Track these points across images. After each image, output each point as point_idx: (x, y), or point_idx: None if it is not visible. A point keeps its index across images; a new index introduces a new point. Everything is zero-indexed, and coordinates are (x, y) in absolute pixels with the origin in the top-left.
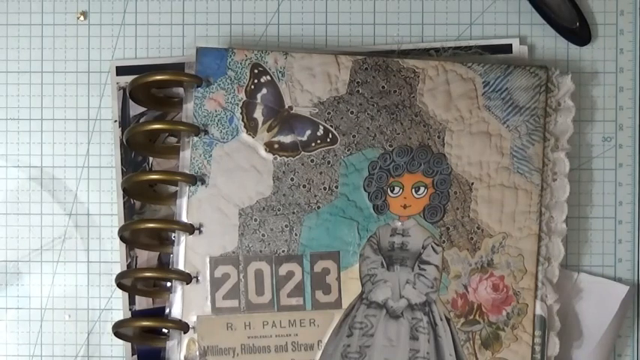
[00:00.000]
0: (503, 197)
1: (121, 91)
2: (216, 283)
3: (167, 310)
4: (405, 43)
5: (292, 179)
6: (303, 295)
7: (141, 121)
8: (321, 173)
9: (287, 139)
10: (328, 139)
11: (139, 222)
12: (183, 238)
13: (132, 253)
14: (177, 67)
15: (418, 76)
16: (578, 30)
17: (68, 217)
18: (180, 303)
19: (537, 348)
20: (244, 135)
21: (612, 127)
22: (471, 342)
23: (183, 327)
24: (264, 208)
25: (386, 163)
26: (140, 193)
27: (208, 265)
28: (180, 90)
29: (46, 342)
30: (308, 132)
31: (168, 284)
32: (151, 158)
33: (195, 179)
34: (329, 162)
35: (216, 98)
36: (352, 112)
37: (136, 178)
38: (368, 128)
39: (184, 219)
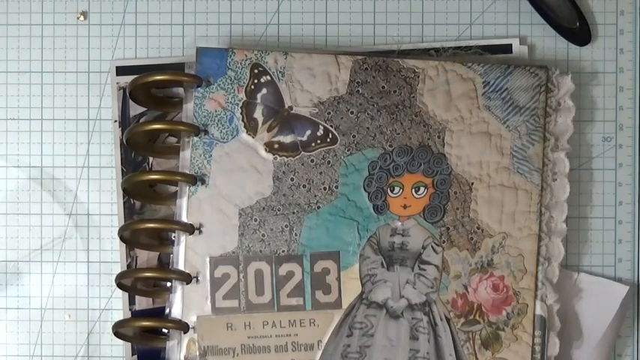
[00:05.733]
0: (503, 197)
1: (121, 91)
2: (216, 283)
3: (167, 310)
4: (405, 43)
5: (292, 179)
6: (303, 295)
7: (141, 121)
8: (321, 173)
9: (287, 139)
10: (328, 139)
11: (139, 222)
12: (183, 238)
13: (132, 253)
14: (177, 67)
15: (418, 76)
16: (578, 30)
17: (68, 217)
18: (180, 303)
19: (537, 348)
20: (244, 135)
21: (612, 127)
22: (471, 342)
23: (183, 327)
24: (264, 208)
25: (386, 163)
26: (140, 193)
27: (208, 265)
28: (180, 90)
29: (46, 342)
30: (308, 132)
31: (169, 284)
32: (151, 158)
33: (195, 179)
34: (329, 162)
35: (216, 98)
36: (352, 112)
37: (136, 178)
38: (368, 128)
39: (184, 219)
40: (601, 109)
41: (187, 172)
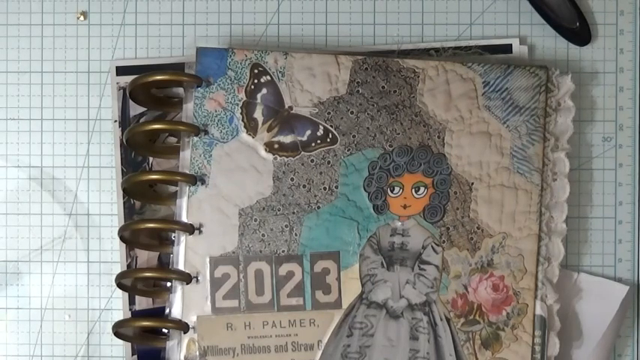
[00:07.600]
0: (503, 197)
1: (121, 91)
2: (216, 283)
3: (167, 310)
4: (405, 43)
5: (292, 179)
6: (303, 295)
7: (141, 121)
8: (321, 173)
9: (287, 139)
10: (328, 139)
11: (139, 222)
12: (183, 238)
13: (132, 253)
14: (177, 67)
15: (418, 76)
16: (578, 30)
17: (68, 217)
18: (180, 303)
19: (537, 348)
20: (244, 135)
21: (612, 127)
22: (471, 342)
23: (183, 327)
24: (264, 208)
25: (386, 163)
26: (140, 193)
27: (208, 265)
28: (180, 90)
29: (46, 342)
30: (308, 132)
31: (169, 284)
32: (151, 158)
33: (195, 179)
34: (329, 162)
35: (216, 98)
36: (352, 112)
37: (136, 178)
38: (368, 128)
39: (184, 219)
40: (601, 109)
41: (187, 172)
